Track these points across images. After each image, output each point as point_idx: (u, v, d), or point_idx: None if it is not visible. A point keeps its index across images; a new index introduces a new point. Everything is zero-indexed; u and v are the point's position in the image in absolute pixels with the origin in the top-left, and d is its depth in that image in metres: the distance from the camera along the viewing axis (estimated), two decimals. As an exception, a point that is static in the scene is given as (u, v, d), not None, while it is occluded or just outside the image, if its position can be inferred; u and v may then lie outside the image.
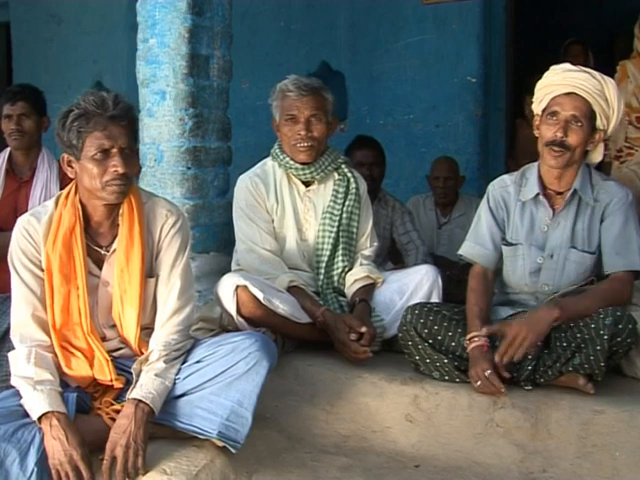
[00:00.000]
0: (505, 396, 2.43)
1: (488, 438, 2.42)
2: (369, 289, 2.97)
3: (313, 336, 2.83)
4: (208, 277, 3.33)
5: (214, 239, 3.55)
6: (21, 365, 2.17)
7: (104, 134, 2.14)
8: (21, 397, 2.14)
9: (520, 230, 2.67)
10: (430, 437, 2.49)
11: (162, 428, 2.21)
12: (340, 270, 2.99)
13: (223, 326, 2.88)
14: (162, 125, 3.40)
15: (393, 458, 2.44)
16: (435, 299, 2.91)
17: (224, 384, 2.20)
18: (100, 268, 2.29)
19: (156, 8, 3.37)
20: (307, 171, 2.98)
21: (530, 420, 2.38)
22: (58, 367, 2.21)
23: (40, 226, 2.23)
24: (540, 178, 2.66)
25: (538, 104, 2.66)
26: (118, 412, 2.16)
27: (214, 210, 3.54)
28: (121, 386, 2.26)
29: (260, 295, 2.68)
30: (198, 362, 2.26)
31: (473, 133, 5.26)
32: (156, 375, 2.18)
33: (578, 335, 2.38)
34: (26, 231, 2.23)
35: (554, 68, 2.62)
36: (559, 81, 2.57)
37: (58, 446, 2.04)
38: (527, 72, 5.02)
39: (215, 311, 2.95)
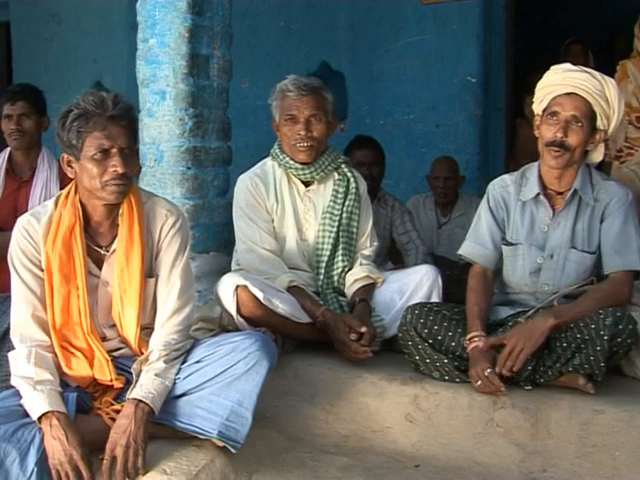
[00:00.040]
0: (505, 396, 2.43)
1: (488, 438, 2.42)
2: (369, 289, 2.97)
3: (313, 336, 2.83)
4: (208, 277, 3.33)
5: (214, 239, 3.55)
6: (21, 365, 2.17)
7: (104, 134, 2.14)
8: (21, 397, 2.13)
9: (520, 230, 2.67)
10: (430, 437, 2.49)
11: (162, 428, 2.21)
12: (340, 270, 2.99)
13: (223, 326, 2.88)
14: (162, 125, 3.40)
15: (393, 458, 2.44)
16: (435, 299, 2.91)
17: (224, 384, 2.20)
18: (100, 268, 2.29)
19: (156, 8, 3.37)
20: (307, 171, 2.98)
21: (530, 420, 2.38)
22: (58, 367, 2.21)
23: (40, 226, 2.23)
24: (540, 178, 2.66)
25: (538, 104, 2.66)
26: (118, 412, 2.16)
27: (214, 210, 3.54)
28: (121, 386, 2.26)
29: (260, 295, 2.68)
30: (198, 362, 2.26)
31: (473, 133, 5.26)
32: (156, 375, 2.18)
33: (578, 335, 2.38)
34: (26, 231, 2.23)
35: (555, 68, 2.62)
36: (559, 81, 2.57)
37: (58, 446, 2.04)
38: (527, 72, 5.03)
39: (215, 311, 2.95)
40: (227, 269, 3.05)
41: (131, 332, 2.29)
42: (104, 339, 2.30)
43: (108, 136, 2.14)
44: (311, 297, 2.89)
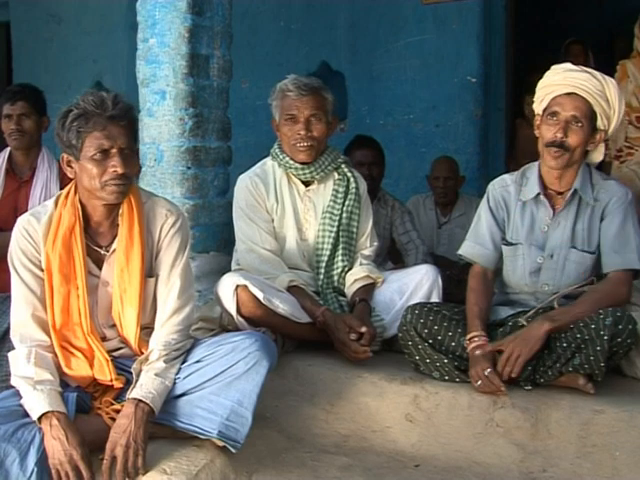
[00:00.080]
0: (505, 396, 2.43)
1: (488, 438, 2.42)
2: (369, 289, 2.97)
3: (313, 336, 2.83)
4: (208, 277, 3.33)
5: (214, 239, 3.55)
6: (21, 365, 2.17)
7: (103, 134, 2.14)
8: (21, 397, 2.13)
9: (520, 230, 2.67)
10: (430, 437, 2.49)
11: (162, 428, 2.21)
12: (340, 270, 2.99)
13: (223, 326, 2.88)
14: (162, 125, 3.40)
15: (393, 458, 2.44)
16: (435, 299, 2.91)
17: (224, 384, 2.20)
18: (100, 268, 2.29)
19: (156, 8, 3.37)
20: (307, 171, 2.98)
21: (530, 420, 2.38)
22: (58, 367, 2.21)
23: (40, 226, 2.23)
24: (541, 178, 2.66)
25: (539, 104, 2.66)
26: (118, 412, 2.16)
27: (214, 210, 3.54)
28: (121, 386, 2.26)
29: (260, 295, 2.68)
30: (198, 362, 2.26)
31: (473, 133, 5.27)
32: (156, 375, 2.18)
33: (578, 335, 2.38)
34: (26, 231, 2.23)
35: (555, 68, 2.62)
36: (560, 81, 2.57)
37: (58, 446, 2.04)
38: (527, 72, 5.03)
39: (215, 311, 2.95)
40: (227, 269, 3.05)
41: (131, 332, 2.29)
42: (104, 339, 2.30)
43: (108, 136, 2.14)
44: (311, 297, 2.89)
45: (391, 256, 3.99)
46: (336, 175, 3.05)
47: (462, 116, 5.26)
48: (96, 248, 2.29)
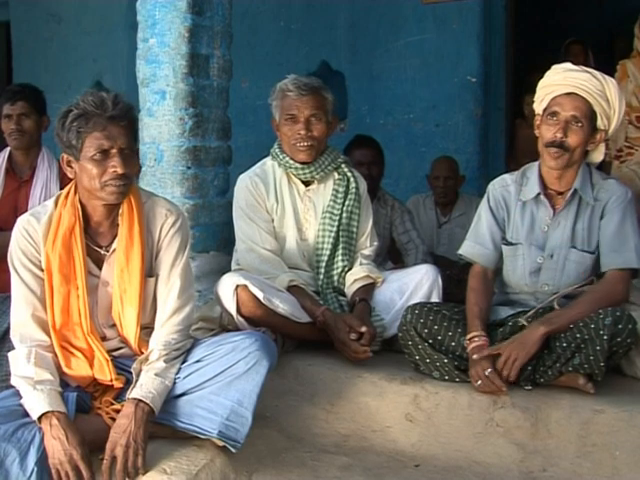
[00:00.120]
0: (505, 395, 2.43)
1: (488, 437, 2.42)
2: (369, 289, 2.97)
3: (313, 336, 2.83)
4: (208, 276, 3.33)
5: (214, 238, 3.55)
6: (21, 365, 2.17)
7: (103, 134, 2.14)
8: (21, 397, 2.14)
9: (520, 230, 2.67)
10: (430, 436, 2.49)
11: (162, 428, 2.21)
12: (340, 270, 2.99)
13: (223, 326, 2.88)
14: (162, 125, 3.39)
15: (393, 457, 2.44)
16: (435, 299, 2.91)
17: (224, 383, 2.20)
18: (100, 268, 2.29)
19: (156, 7, 3.37)
20: (307, 171, 2.98)
21: (530, 420, 2.38)
22: (58, 367, 2.21)
23: (40, 226, 2.23)
24: (541, 178, 2.65)
25: (539, 104, 2.66)
26: (118, 412, 2.16)
27: (214, 209, 3.54)
28: (121, 386, 2.26)
29: (260, 295, 2.68)
30: (198, 361, 2.26)
31: (473, 133, 5.26)
32: (156, 374, 2.18)
33: (578, 335, 2.38)
34: (26, 231, 2.23)
35: (555, 67, 2.62)
36: (560, 81, 2.57)
37: (58, 446, 2.04)
38: (527, 72, 5.03)
39: (215, 310, 2.95)
40: (227, 269, 3.05)
41: (131, 332, 2.29)
42: (104, 339, 2.30)
43: (108, 136, 2.14)
44: (311, 297, 2.89)
45: (391, 256, 3.99)
46: (336, 175, 3.05)
47: (462, 116, 5.25)
48: (96, 248, 2.29)
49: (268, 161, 3.07)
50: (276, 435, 2.52)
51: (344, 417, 2.61)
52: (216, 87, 3.49)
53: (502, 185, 2.75)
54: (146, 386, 2.16)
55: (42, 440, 2.05)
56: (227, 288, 2.72)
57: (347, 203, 3.01)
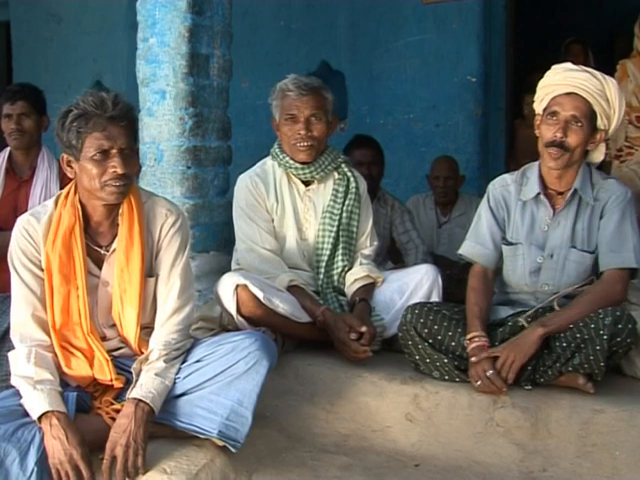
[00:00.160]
0: (505, 395, 2.43)
1: (488, 437, 2.42)
2: (369, 288, 2.97)
3: (313, 335, 2.83)
4: (208, 276, 3.33)
5: (214, 238, 3.55)
6: (21, 365, 2.17)
7: (103, 135, 2.14)
8: (21, 397, 2.14)
9: (520, 229, 2.67)
10: (430, 436, 2.49)
11: (162, 427, 2.22)
12: (340, 269, 2.99)
13: (223, 325, 2.88)
14: (162, 124, 3.39)
15: (393, 457, 2.44)
16: (435, 298, 2.91)
17: (224, 383, 2.20)
18: (100, 268, 2.29)
19: (156, 7, 3.37)
20: (307, 170, 2.98)
21: (530, 419, 2.38)
22: (58, 367, 2.21)
23: (40, 226, 2.23)
24: (541, 177, 2.65)
25: (539, 103, 2.65)
26: (118, 411, 2.16)
27: (214, 209, 3.54)
28: (121, 385, 2.26)
29: (260, 294, 2.68)
30: (198, 361, 2.26)
31: (473, 132, 5.27)
32: (156, 374, 2.18)
33: (578, 335, 2.38)
34: (26, 231, 2.23)
35: (555, 67, 2.61)
36: (560, 81, 2.57)
37: (58, 445, 2.04)
38: (527, 72, 5.03)
39: (215, 310, 2.95)
40: (227, 268, 3.05)
41: (131, 332, 2.29)
42: (104, 339, 2.30)
43: (108, 137, 2.14)
44: (311, 296, 2.89)
45: (391, 256, 3.99)
46: (336, 175, 3.05)
47: (462, 116, 5.25)
48: (96, 248, 2.29)
49: (268, 161, 3.07)
50: (276, 435, 2.52)
51: (344, 417, 2.61)
52: (216, 87, 3.49)
53: (502, 185, 2.75)
54: (146, 386, 2.16)
55: (42, 440, 2.05)
56: (227, 288, 2.72)
57: (347, 203, 3.01)
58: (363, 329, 2.71)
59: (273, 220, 2.99)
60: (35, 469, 2.02)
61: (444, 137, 5.29)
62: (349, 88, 5.63)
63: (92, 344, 2.24)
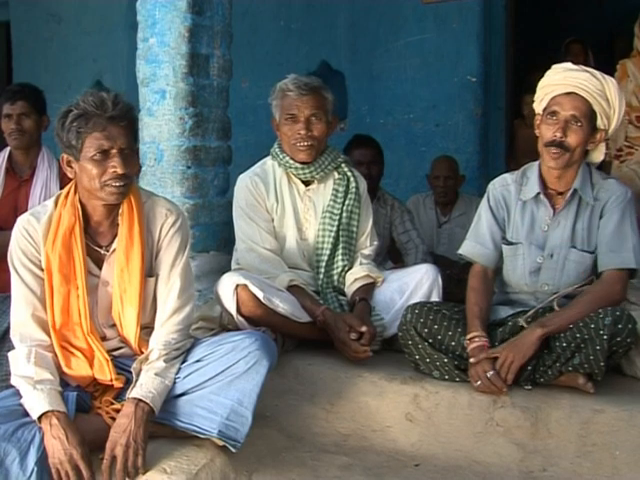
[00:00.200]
0: (505, 395, 2.43)
1: (488, 437, 2.42)
2: (369, 288, 2.97)
3: (313, 335, 2.83)
4: (208, 276, 3.33)
5: (214, 238, 3.55)
6: (21, 365, 2.17)
7: (103, 135, 2.14)
8: (21, 396, 2.14)
9: (520, 229, 2.67)
10: (430, 436, 2.49)
11: (162, 427, 2.22)
12: (340, 269, 2.99)
13: (223, 325, 2.88)
14: (162, 124, 3.40)
15: (393, 457, 2.44)
16: (435, 298, 2.91)
17: (224, 383, 2.20)
18: (100, 268, 2.29)
19: (156, 7, 3.37)
20: (307, 170, 2.98)
21: (530, 419, 2.38)
22: (58, 367, 2.21)
23: (40, 226, 2.23)
24: (541, 177, 2.65)
25: (539, 103, 2.66)
26: (118, 411, 2.16)
27: (214, 209, 3.54)
28: (121, 385, 2.26)
29: (260, 294, 2.68)
30: (198, 361, 2.26)
31: (473, 132, 5.27)
32: (156, 374, 2.18)
33: (578, 335, 2.38)
34: (26, 231, 2.23)
35: (555, 67, 2.62)
36: (559, 80, 2.57)
37: (58, 445, 2.04)
38: (527, 71, 5.03)
39: (215, 310, 2.95)
40: (227, 268, 3.05)
41: (131, 332, 2.29)
42: (104, 339, 2.30)
43: (108, 137, 2.14)
44: (311, 296, 2.89)
45: (391, 255, 3.99)
46: (336, 174, 3.05)
47: (462, 115, 5.26)
48: (96, 248, 2.29)
49: (268, 161, 3.07)
50: (276, 435, 2.52)
51: (344, 417, 2.61)
52: (216, 87, 3.50)
53: (502, 185, 2.75)
54: (146, 386, 2.16)
55: (42, 440, 2.05)
56: (227, 288, 2.72)
57: (347, 203, 3.01)
58: (363, 329, 2.71)
59: (273, 220, 2.99)
60: (35, 469, 2.02)
61: (444, 137, 5.29)
62: (349, 88, 5.63)
63: (92, 344, 2.24)
